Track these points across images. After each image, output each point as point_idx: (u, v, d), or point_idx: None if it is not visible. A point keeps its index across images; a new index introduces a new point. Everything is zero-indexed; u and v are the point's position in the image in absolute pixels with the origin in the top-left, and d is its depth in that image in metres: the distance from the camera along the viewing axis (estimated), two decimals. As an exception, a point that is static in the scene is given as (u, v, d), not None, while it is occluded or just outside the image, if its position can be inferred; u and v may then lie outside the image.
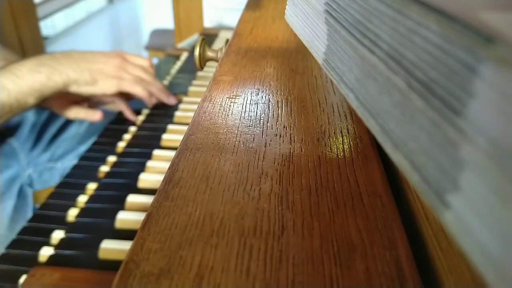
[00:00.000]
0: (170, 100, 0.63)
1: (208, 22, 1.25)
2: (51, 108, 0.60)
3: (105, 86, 0.56)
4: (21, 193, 0.59)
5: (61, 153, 0.66)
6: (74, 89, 0.55)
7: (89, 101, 0.65)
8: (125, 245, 0.35)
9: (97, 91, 0.57)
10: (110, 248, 0.35)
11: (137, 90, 0.59)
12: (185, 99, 0.66)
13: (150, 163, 0.48)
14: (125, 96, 0.63)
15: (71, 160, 0.64)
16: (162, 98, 0.62)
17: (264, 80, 0.32)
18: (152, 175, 0.46)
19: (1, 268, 0.35)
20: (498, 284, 0.09)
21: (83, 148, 0.65)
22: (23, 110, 0.52)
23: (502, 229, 0.09)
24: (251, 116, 0.26)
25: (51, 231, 0.39)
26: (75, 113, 0.61)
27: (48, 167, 0.64)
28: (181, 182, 0.20)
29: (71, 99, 0.60)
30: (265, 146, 0.23)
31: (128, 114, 0.63)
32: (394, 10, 0.14)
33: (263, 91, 0.30)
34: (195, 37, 1.06)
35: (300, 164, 0.22)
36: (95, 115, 0.61)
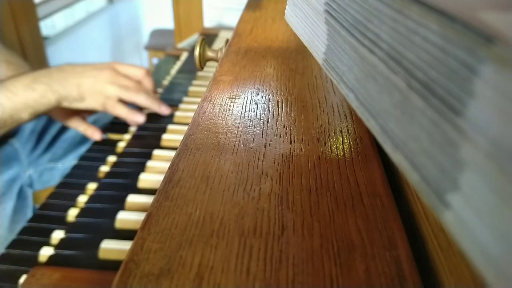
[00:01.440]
0: (162, 110, 0.60)
1: (208, 22, 1.25)
2: (52, 116, 0.61)
3: (92, 103, 0.56)
4: (21, 194, 0.58)
5: (61, 153, 0.66)
6: (66, 105, 0.55)
7: (89, 112, 0.65)
8: (125, 245, 0.35)
9: (85, 106, 0.56)
10: (110, 248, 0.35)
11: (120, 112, 0.58)
12: (185, 99, 0.66)
13: (150, 163, 0.48)
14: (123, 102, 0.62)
15: (71, 160, 0.64)
16: (152, 108, 0.59)
17: (264, 80, 0.32)
18: (152, 175, 0.46)
19: (1, 268, 0.35)
20: (498, 284, 0.09)
21: (83, 148, 0.65)
22: (18, 124, 0.53)
23: (502, 229, 0.09)
24: (251, 116, 0.26)
25: (51, 231, 0.39)
26: (75, 124, 0.61)
27: (49, 167, 0.64)
28: (181, 182, 0.20)
29: (71, 110, 0.60)
30: (265, 146, 0.23)
31: (89, 132, 0.61)
32: (394, 10, 0.14)
33: (263, 91, 0.30)
34: (195, 37, 1.06)
35: (300, 164, 0.22)
36: (94, 135, 0.60)
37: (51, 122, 0.67)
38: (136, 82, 0.58)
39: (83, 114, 0.62)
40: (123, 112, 0.58)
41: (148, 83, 0.61)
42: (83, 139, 0.66)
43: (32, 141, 0.65)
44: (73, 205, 0.43)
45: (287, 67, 0.34)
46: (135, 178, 0.45)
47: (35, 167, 0.64)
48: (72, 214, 0.41)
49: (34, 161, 0.64)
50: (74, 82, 0.54)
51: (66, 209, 0.42)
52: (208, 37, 0.93)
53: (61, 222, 0.41)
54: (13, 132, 0.63)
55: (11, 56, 0.64)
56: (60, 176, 0.62)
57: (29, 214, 0.57)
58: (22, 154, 0.63)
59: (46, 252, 0.36)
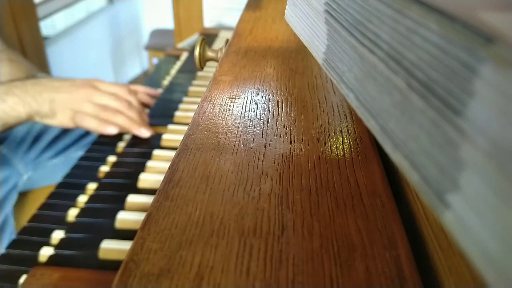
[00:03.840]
0: (141, 132, 0.54)
1: (208, 22, 1.25)
2: None
3: (61, 119, 0.53)
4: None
5: (64, 148, 0.66)
6: (38, 120, 0.53)
7: None
8: (125, 245, 0.35)
9: (56, 123, 0.54)
10: (110, 248, 0.35)
11: (91, 125, 0.53)
12: (185, 99, 0.66)
13: (150, 163, 0.48)
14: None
15: (75, 152, 0.64)
16: (131, 131, 0.55)
17: (264, 80, 0.32)
18: (152, 175, 0.46)
19: (1, 268, 0.35)
20: (498, 284, 0.09)
21: (88, 139, 0.65)
22: None
23: (502, 229, 0.09)
24: (251, 116, 0.26)
25: (51, 231, 0.39)
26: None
27: (52, 164, 0.64)
28: (181, 182, 0.20)
29: None
30: (265, 146, 0.23)
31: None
32: (394, 10, 0.14)
33: (263, 91, 0.30)
34: (195, 37, 1.06)
35: (300, 164, 0.22)
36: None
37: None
38: (115, 97, 0.55)
39: None
40: (93, 124, 0.54)
41: (131, 100, 0.57)
42: (87, 132, 0.66)
43: (26, 143, 0.64)
44: (73, 205, 0.43)
45: (287, 67, 0.34)
46: (135, 178, 0.45)
47: (35, 167, 0.64)
48: (72, 214, 0.41)
49: (32, 161, 0.64)
50: (47, 97, 0.52)
51: (66, 209, 0.42)
52: (208, 37, 0.93)
53: (61, 222, 0.41)
54: (1, 139, 0.63)
55: (13, 54, 0.65)
56: (64, 168, 0.62)
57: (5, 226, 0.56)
58: (13, 158, 0.63)
59: (46, 252, 0.36)
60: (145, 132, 0.54)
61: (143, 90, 0.62)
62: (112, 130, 0.54)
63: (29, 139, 0.65)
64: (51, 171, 0.64)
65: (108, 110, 0.54)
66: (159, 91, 0.69)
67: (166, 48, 1.03)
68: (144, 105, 0.62)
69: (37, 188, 0.63)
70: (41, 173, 0.64)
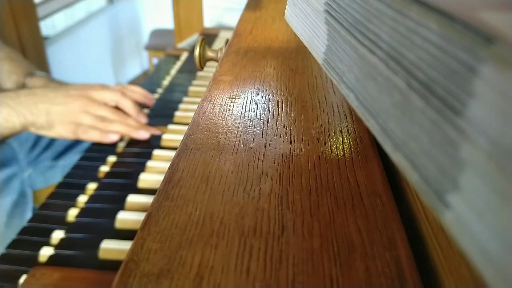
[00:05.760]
0: (140, 135, 0.54)
1: (208, 22, 1.25)
2: None
3: (61, 132, 0.53)
4: (20, 192, 0.58)
5: (62, 151, 0.66)
6: (33, 131, 0.53)
7: None
8: (125, 245, 0.35)
9: (54, 135, 0.54)
10: (110, 248, 0.35)
11: (94, 137, 0.54)
12: (185, 99, 0.66)
13: (150, 163, 0.48)
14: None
15: (73, 157, 0.64)
16: (130, 135, 0.55)
17: (264, 80, 0.32)
18: (152, 175, 0.46)
19: (1, 268, 0.35)
20: (498, 284, 0.09)
21: (84, 144, 0.65)
22: None
23: (502, 229, 0.09)
24: (251, 116, 0.26)
25: (51, 231, 0.39)
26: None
27: (50, 165, 0.65)
28: (181, 182, 0.20)
29: None
30: (265, 146, 0.23)
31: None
32: (394, 10, 0.14)
33: (263, 91, 0.30)
34: (195, 37, 1.06)
35: (300, 164, 0.22)
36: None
37: None
38: (112, 109, 0.55)
39: None
40: (96, 136, 0.54)
41: (126, 103, 0.56)
42: None
43: (30, 140, 0.65)
44: (73, 205, 0.43)
45: (287, 67, 0.34)
46: (135, 178, 0.45)
47: (34, 166, 0.64)
48: (72, 214, 0.41)
49: (34, 160, 0.64)
50: (43, 108, 0.52)
51: (66, 209, 0.42)
52: (208, 37, 0.93)
53: (61, 222, 0.41)
54: None
55: (12, 52, 0.65)
56: (61, 173, 0.62)
57: (28, 212, 0.57)
58: (20, 153, 0.63)
59: (46, 252, 0.36)
60: (143, 134, 0.54)
61: (138, 91, 0.61)
62: (114, 137, 0.54)
63: (33, 136, 0.65)
64: (49, 174, 0.64)
65: (106, 120, 0.54)
66: (155, 96, 0.69)
67: (166, 48, 1.03)
68: (144, 106, 0.62)
69: (35, 190, 0.64)
70: (40, 175, 0.64)
